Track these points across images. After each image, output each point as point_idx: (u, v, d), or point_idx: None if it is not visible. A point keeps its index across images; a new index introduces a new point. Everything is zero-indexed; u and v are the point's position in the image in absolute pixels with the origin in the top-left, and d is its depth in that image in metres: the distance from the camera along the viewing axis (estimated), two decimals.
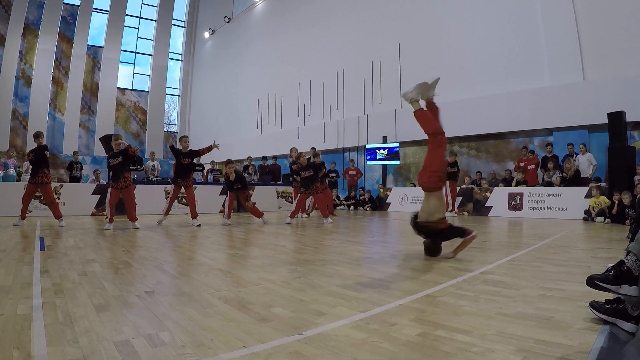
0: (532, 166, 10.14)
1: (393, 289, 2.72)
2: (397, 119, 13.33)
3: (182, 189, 7.87)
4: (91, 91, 21.46)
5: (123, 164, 6.82)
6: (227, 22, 22.54)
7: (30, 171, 7.33)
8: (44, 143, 7.04)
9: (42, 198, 8.25)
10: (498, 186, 10.46)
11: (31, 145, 16.91)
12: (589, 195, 8.58)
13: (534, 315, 2.08)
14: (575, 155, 9.50)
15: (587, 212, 8.41)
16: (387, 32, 13.91)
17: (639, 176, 7.93)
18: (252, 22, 20.96)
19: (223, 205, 8.85)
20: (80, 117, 20.82)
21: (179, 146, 7.83)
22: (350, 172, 13.79)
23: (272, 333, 1.84)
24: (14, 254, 3.97)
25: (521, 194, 9.71)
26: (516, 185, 10.00)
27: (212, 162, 14.95)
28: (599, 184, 8.52)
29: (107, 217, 6.72)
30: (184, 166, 7.72)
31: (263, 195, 12.06)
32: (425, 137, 4.08)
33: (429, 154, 3.97)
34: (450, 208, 9.85)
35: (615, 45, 9.13)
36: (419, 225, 3.87)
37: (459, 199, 10.75)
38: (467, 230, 3.80)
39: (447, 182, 9.91)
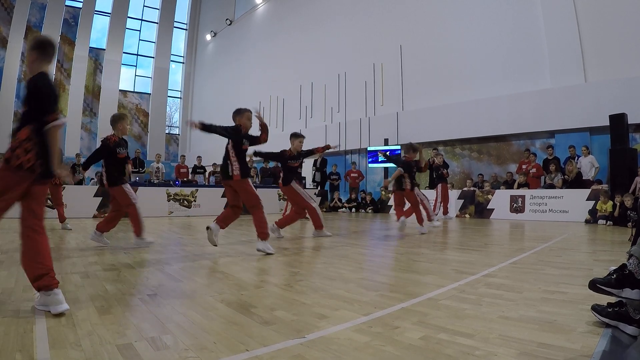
0: (534, 170, 10.12)
1: (395, 292, 2.72)
2: (399, 122, 13.33)
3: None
4: (93, 93, 21.51)
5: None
6: (229, 25, 22.60)
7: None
8: None
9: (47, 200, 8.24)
10: (500, 188, 10.46)
11: None
12: (591, 198, 8.57)
13: (537, 319, 2.08)
14: (577, 158, 9.49)
15: (591, 212, 8.40)
16: (388, 34, 13.93)
17: (639, 177, 7.92)
18: (253, 25, 21.01)
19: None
20: (82, 119, 20.87)
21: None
22: (352, 175, 13.80)
23: (274, 336, 1.84)
24: (16, 256, 3.97)
25: (523, 197, 9.70)
26: (518, 188, 9.99)
27: (214, 164, 14.94)
28: (606, 189, 8.49)
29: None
30: (291, 169, 6.86)
31: (265, 198, 12.03)
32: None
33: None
34: (442, 211, 9.73)
35: (617, 47, 9.13)
36: None
37: (460, 202, 10.74)
38: None
39: (439, 184, 9.72)
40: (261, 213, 4.55)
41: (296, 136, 6.40)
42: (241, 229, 7.48)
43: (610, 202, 8.06)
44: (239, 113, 4.62)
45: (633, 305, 1.92)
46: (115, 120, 4.90)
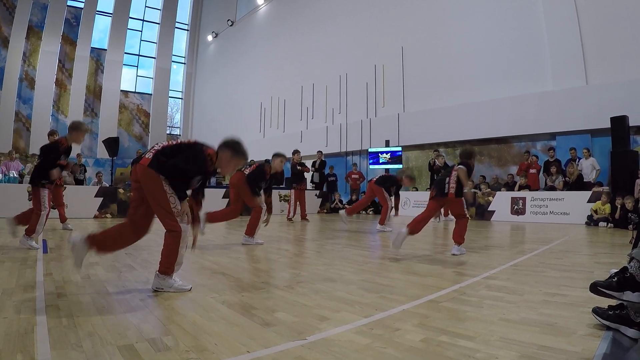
0: (534, 170, 10.12)
1: (396, 294, 2.72)
2: (400, 123, 13.33)
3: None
4: (94, 93, 21.54)
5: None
6: (231, 26, 22.63)
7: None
8: None
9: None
10: (500, 190, 10.45)
11: (34, 147, 16.97)
12: (592, 200, 8.57)
13: (537, 321, 2.08)
14: (578, 160, 9.49)
15: (589, 216, 8.40)
16: (390, 36, 13.94)
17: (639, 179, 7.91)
18: (255, 26, 21.04)
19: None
20: (83, 120, 20.85)
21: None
22: (353, 176, 13.80)
23: (275, 338, 1.84)
24: (17, 256, 3.98)
25: (524, 199, 9.69)
26: (519, 190, 9.99)
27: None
28: (608, 191, 8.48)
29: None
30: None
31: None
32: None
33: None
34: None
35: (619, 49, 9.13)
36: None
37: None
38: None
39: None
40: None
41: (277, 155, 6.26)
42: (242, 230, 7.46)
43: (609, 205, 8.06)
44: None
45: (634, 308, 1.91)
46: (73, 128, 4.80)
